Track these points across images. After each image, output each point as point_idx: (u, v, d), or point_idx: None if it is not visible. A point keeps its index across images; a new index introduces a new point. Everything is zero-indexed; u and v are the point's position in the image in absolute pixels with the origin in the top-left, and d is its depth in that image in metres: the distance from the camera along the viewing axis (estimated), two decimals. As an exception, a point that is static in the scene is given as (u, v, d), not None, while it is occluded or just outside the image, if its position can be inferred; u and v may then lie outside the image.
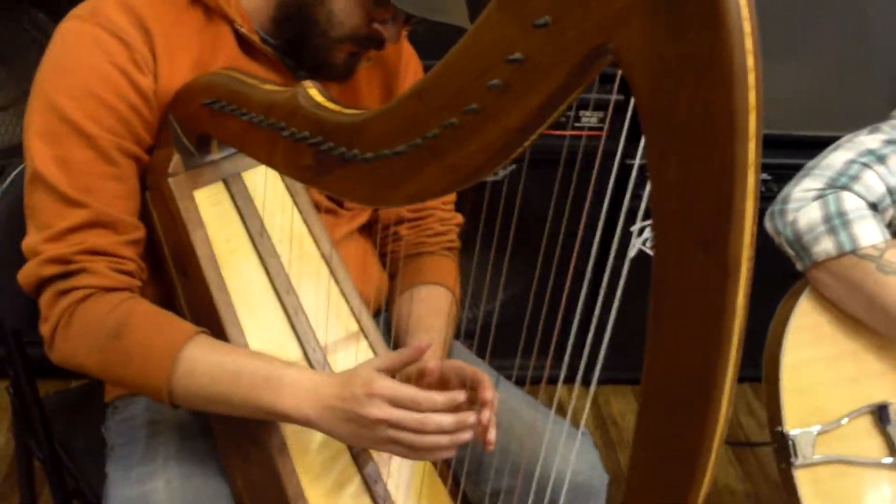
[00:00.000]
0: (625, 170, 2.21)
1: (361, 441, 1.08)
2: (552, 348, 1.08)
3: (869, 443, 1.31)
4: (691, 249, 0.66)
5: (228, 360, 1.09)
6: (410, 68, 1.40)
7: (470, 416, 1.03)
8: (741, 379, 2.30)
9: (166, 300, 1.18)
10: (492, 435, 1.08)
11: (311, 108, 0.93)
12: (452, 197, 1.46)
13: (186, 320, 1.15)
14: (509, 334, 1.17)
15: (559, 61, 0.68)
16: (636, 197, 2.49)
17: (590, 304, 0.99)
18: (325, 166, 0.93)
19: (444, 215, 1.44)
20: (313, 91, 0.94)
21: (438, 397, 1.02)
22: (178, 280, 1.16)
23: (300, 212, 1.22)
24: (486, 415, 1.07)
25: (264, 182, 1.20)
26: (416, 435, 1.01)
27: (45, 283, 1.12)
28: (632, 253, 2.48)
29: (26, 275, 1.13)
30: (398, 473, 1.18)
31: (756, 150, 0.63)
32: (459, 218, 1.47)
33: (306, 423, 1.07)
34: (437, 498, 1.20)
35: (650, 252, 2.31)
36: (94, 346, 1.11)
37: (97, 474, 1.32)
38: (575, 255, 1.15)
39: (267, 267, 1.17)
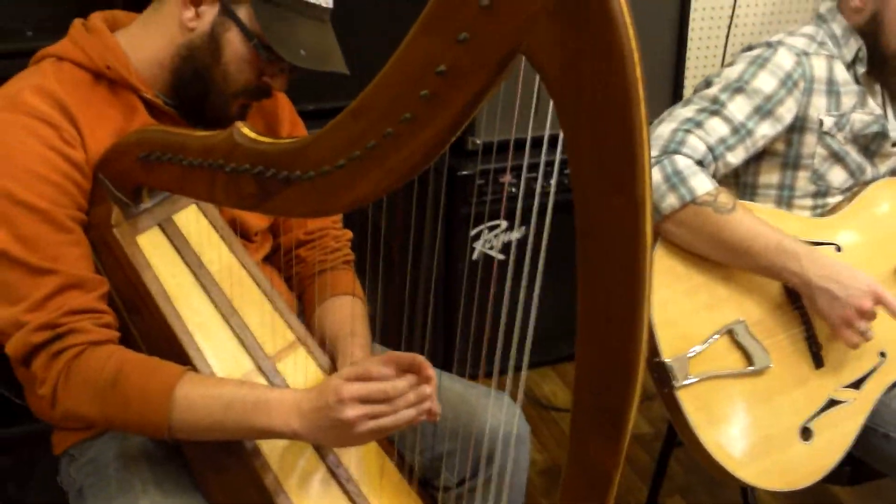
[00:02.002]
0: (456, 181, 2.39)
1: (347, 441, 1.19)
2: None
3: (731, 357, 1.52)
4: (608, 193, 0.81)
5: (218, 392, 1.18)
6: (286, 109, 1.52)
7: (426, 388, 1.16)
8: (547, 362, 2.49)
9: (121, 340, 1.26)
10: (437, 407, 1.20)
11: (249, 144, 1.05)
12: (339, 216, 1.60)
13: (142, 353, 1.23)
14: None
15: (480, 67, 0.83)
16: (470, 205, 2.64)
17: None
18: (269, 191, 1.04)
19: (336, 233, 1.56)
20: (246, 129, 1.06)
21: (400, 382, 1.15)
22: (129, 320, 1.25)
23: (226, 243, 1.33)
24: (429, 390, 1.19)
25: (192, 222, 1.30)
26: (393, 417, 1.14)
27: (36, 349, 1.18)
28: (475, 255, 2.67)
29: (16, 345, 1.18)
30: (355, 458, 1.30)
31: (646, 111, 0.80)
32: (349, 233, 1.59)
33: (295, 436, 1.18)
34: (388, 473, 1.32)
35: (490, 253, 2.51)
36: (94, 396, 1.18)
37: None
38: (435, 262, 1.28)
39: (210, 295, 1.28)
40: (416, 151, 0.91)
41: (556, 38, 0.78)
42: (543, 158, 0.91)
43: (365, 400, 1.13)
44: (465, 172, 2.37)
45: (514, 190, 2.34)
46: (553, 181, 1.11)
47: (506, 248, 2.45)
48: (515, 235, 2.41)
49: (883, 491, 2.19)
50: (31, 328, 1.18)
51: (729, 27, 2.87)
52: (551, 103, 0.81)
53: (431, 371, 1.20)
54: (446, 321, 2.51)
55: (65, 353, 1.18)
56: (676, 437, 2.13)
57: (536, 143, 0.92)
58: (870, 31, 1.65)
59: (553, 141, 0.85)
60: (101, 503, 1.28)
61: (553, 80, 0.80)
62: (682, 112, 1.56)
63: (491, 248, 2.47)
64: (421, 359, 1.21)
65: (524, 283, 0.98)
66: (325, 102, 2.00)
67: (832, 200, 1.68)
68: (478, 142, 2.32)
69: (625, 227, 0.82)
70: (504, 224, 2.45)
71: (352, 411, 1.13)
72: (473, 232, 2.44)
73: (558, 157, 0.93)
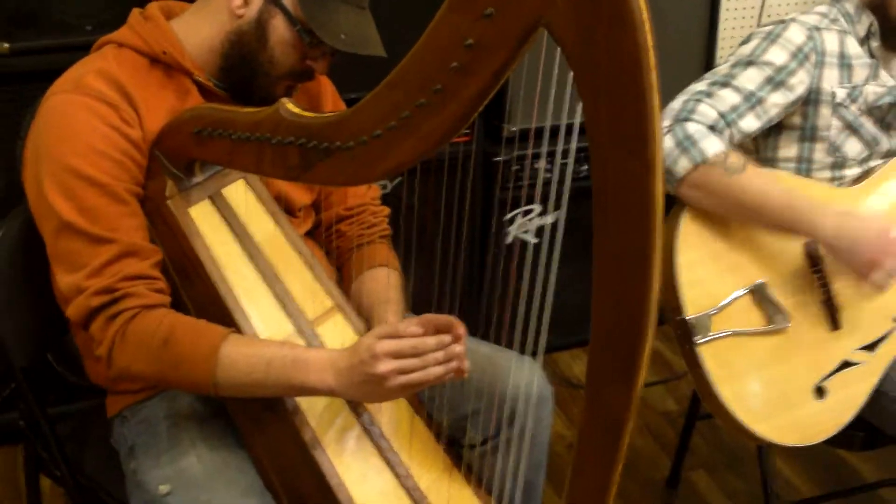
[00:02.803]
0: (491, 166, 2.46)
1: (379, 395, 1.26)
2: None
3: (751, 317, 1.58)
4: (623, 156, 0.87)
5: (260, 352, 1.26)
6: (328, 91, 1.60)
7: (456, 347, 1.24)
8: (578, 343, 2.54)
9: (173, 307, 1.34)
10: (466, 364, 1.28)
11: (293, 118, 1.13)
12: (378, 192, 1.68)
13: (192, 316, 1.32)
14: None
15: (504, 40, 0.90)
16: (506, 189, 2.69)
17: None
18: (311, 162, 1.12)
19: (374, 209, 1.65)
20: (290, 105, 1.14)
21: (430, 340, 1.22)
22: (180, 285, 1.33)
23: (271, 216, 1.42)
24: (460, 348, 1.27)
25: (240, 196, 1.40)
26: (422, 372, 1.21)
27: (94, 312, 1.27)
28: (509, 239, 2.73)
29: (77, 308, 1.27)
30: (387, 417, 1.38)
31: (657, 77, 0.86)
32: (387, 210, 1.67)
33: (330, 392, 1.26)
34: (418, 431, 1.40)
35: (524, 237, 2.56)
36: (147, 356, 1.26)
37: (113, 482, 1.48)
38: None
39: (256, 263, 1.36)
40: (447, 120, 0.98)
41: (574, 10, 0.84)
42: (558, 145, 0.98)
43: (397, 355, 1.21)
44: (499, 158, 2.44)
45: (548, 175, 2.40)
46: (567, 167, 1.16)
47: (539, 232, 2.51)
48: (549, 220, 2.47)
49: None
50: (91, 293, 1.26)
51: (760, 11, 2.90)
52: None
53: (462, 329, 1.28)
54: (478, 297, 2.57)
55: (121, 316, 1.27)
56: (699, 411, 2.20)
57: (569, 130, 0.98)
58: (878, 5, 1.70)
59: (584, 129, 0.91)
60: (152, 459, 1.37)
61: (571, 51, 0.86)
62: (695, 86, 1.63)
63: (525, 231, 2.53)
64: (453, 318, 1.29)
65: (551, 264, 1.04)
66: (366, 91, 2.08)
67: (849, 172, 1.73)
68: (513, 129, 2.39)
69: (637, 187, 0.88)
70: (538, 209, 2.50)
71: (384, 366, 1.20)
72: (508, 216, 2.51)
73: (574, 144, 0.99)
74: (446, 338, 1.24)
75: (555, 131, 1.05)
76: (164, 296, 1.31)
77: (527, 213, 2.52)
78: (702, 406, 2.19)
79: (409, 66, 0.97)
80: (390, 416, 1.38)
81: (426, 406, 1.44)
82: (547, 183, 2.40)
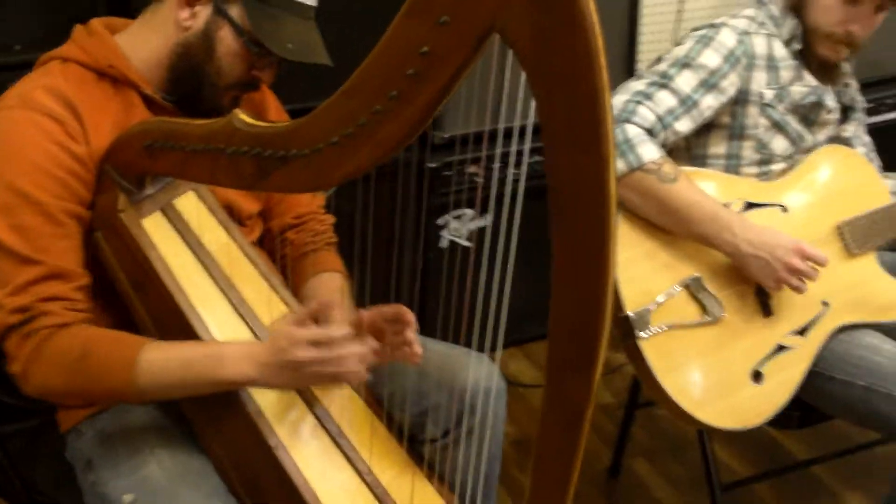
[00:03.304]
0: (424, 173, 2.47)
1: (297, 382, 1.29)
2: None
3: (688, 310, 1.64)
4: (576, 153, 0.90)
5: (177, 353, 1.27)
6: (271, 101, 1.61)
7: (408, 332, 1.28)
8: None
9: (121, 324, 1.34)
10: (418, 348, 1.31)
11: (247, 128, 1.13)
12: (322, 201, 1.69)
13: (149, 330, 1.32)
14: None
15: (459, 47, 0.91)
16: (440, 195, 2.73)
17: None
18: (266, 171, 1.12)
19: (321, 217, 1.66)
20: (244, 115, 1.14)
21: (346, 328, 1.25)
22: (136, 298, 1.33)
23: (223, 226, 1.42)
24: (411, 334, 1.30)
25: (191, 206, 1.39)
26: (337, 366, 1.24)
27: (9, 330, 1.25)
28: (443, 243, 2.75)
29: None
30: (347, 415, 1.39)
31: (608, 77, 0.89)
32: (332, 218, 1.68)
33: (251, 383, 1.27)
34: (378, 429, 1.42)
35: (458, 240, 2.59)
36: (63, 372, 1.25)
37: (68, 497, 1.45)
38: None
39: (210, 272, 1.36)
40: (403, 126, 0.99)
41: (528, 16, 0.86)
42: (496, 149, 1.00)
43: (314, 343, 1.22)
44: (432, 165, 2.46)
45: (479, 179, 2.43)
46: (506, 170, 1.19)
47: (473, 235, 2.53)
48: (481, 223, 2.50)
49: (826, 433, 2.37)
50: (7, 310, 1.25)
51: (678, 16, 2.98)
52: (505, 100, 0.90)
53: (411, 316, 1.32)
54: (421, 303, 2.59)
55: (35, 335, 1.25)
56: (638, 400, 2.26)
57: (499, 134, 1.00)
58: (797, 8, 1.78)
59: (509, 133, 0.93)
60: (111, 470, 1.35)
61: (525, 54, 0.88)
62: (634, 85, 1.68)
63: (458, 235, 2.56)
64: (401, 307, 1.32)
65: (488, 266, 1.06)
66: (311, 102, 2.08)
67: (775, 167, 1.80)
68: (444, 136, 2.42)
69: (591, 183, 0.90)
70: (469, 213, 2.53)
71: (303, 353, 1.22)
72: (440, 221, 2.53)
73: (514, 147, 1.02)
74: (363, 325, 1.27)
75: (479, 137, 1.07)
76: (83, 314, 1.30)
77: (458, 217, 2.54)
78: (640, 395, 2.25)
79: (366, 74, 0.98)
80: (350, 414, 1.39)
81: (386, 406, 1.45)
82: (481, 188, 2.42)
